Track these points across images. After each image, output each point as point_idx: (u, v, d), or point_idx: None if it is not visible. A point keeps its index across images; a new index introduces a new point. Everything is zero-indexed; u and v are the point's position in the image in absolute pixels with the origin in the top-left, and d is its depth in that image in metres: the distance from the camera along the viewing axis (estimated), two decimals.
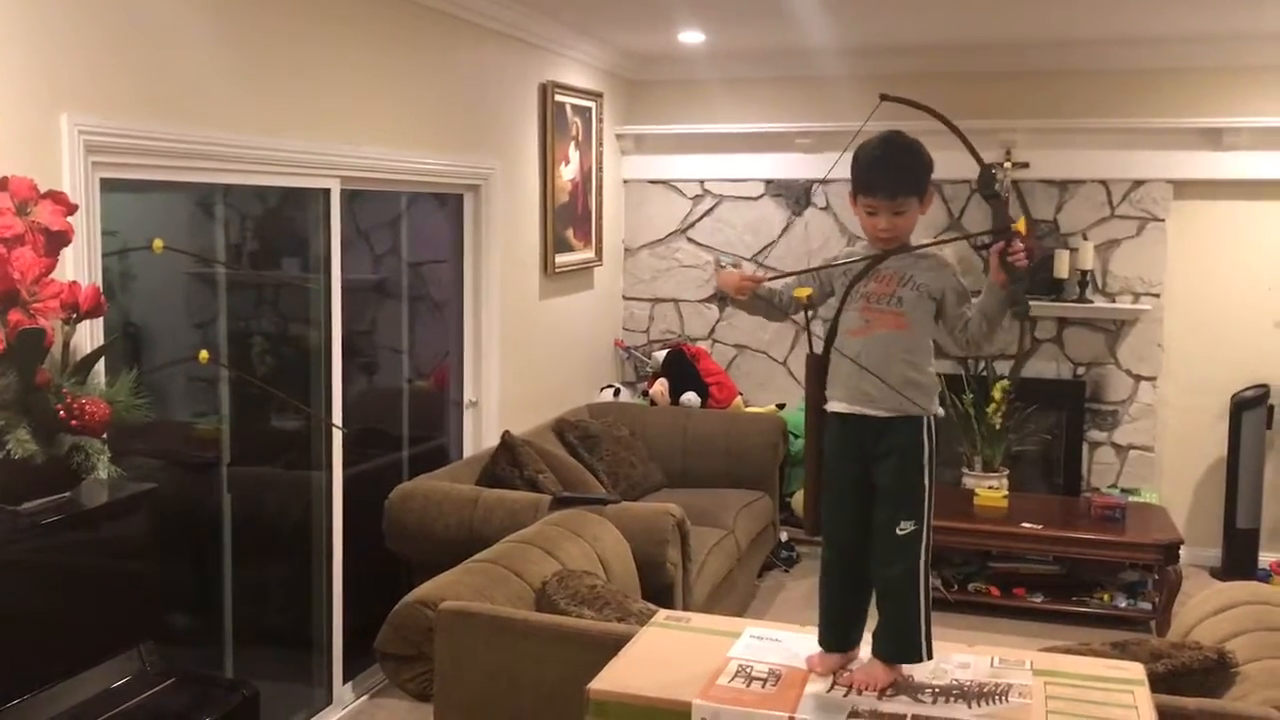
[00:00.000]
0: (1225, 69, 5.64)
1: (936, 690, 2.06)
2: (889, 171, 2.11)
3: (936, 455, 2.12)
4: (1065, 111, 5.84)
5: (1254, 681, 2.42)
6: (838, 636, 2.18)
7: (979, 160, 2.07)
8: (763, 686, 2.08)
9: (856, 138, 2.18)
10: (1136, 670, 2.17)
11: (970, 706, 1.99)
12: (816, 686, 2.08)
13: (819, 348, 2.18)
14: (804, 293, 2.20)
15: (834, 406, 2.14)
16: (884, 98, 2.13)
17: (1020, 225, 2.00)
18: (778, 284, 2.28)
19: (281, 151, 3.54)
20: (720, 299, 6.50)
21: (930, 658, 2.10)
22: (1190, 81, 5.70)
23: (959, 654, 2.23)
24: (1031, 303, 5.77)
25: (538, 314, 5.49)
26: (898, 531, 2.08)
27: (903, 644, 2.10)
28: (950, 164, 6.24)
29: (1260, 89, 5.62)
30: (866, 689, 2.06)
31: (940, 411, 2.14)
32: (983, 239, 2.11)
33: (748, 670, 2.14)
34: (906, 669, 2.13)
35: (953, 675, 2.13)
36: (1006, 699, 2.02)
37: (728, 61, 6.18)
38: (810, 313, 2.21)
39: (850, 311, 2.14)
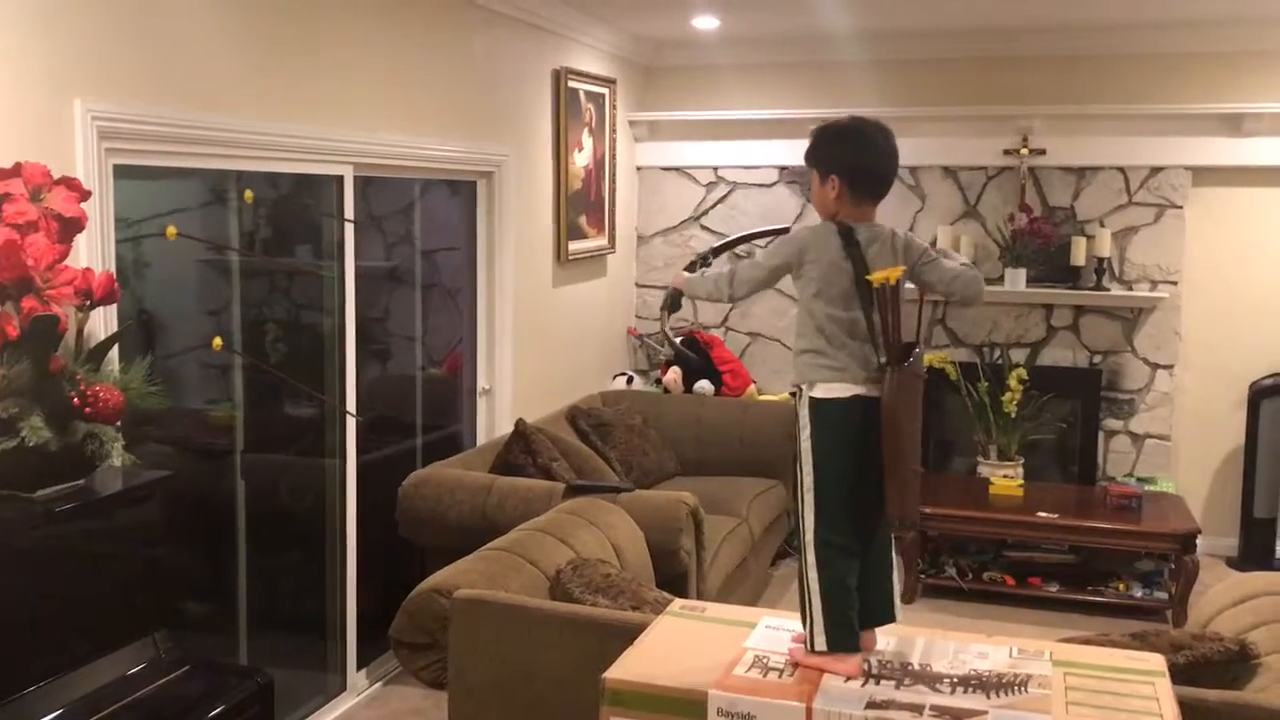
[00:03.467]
0: (1245, 53, 5.58)
1: (955, 680, 2.04)
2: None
3: (816, 439, 2.10)
4: (1083, 97, 5.79)
5: (1276, 673, 2.39)
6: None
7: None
8: (779, 676, 2.07)
9: None
10: (1157, 661, 2.15)
11: (989, 697, 1.97)
12: (833, 677, 2.07)
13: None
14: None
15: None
16: None
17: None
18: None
19: (295, 138, 3.53)
20: None
21: (813, 650, 2.09)
22: (1210, 66, 5.64)
23: (977, 644, 2.21)
24: (1049, 290, 5.78)
25: (551, 301, 5.48)
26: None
27: (803, 621, 2.13)
28: (964, 150, 6.20)
29: None
30: (799, 665, 2.09)
31: (820, 394, 2.11)
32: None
33: (764, 660, 2.13)
34: (918, 659, 2.12)
35: (971, 665, 2.11)
36: (1026, 689, 2.00)
37: (742, 47, 6.15)
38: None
39: None
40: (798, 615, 2.35)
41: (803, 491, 2.12)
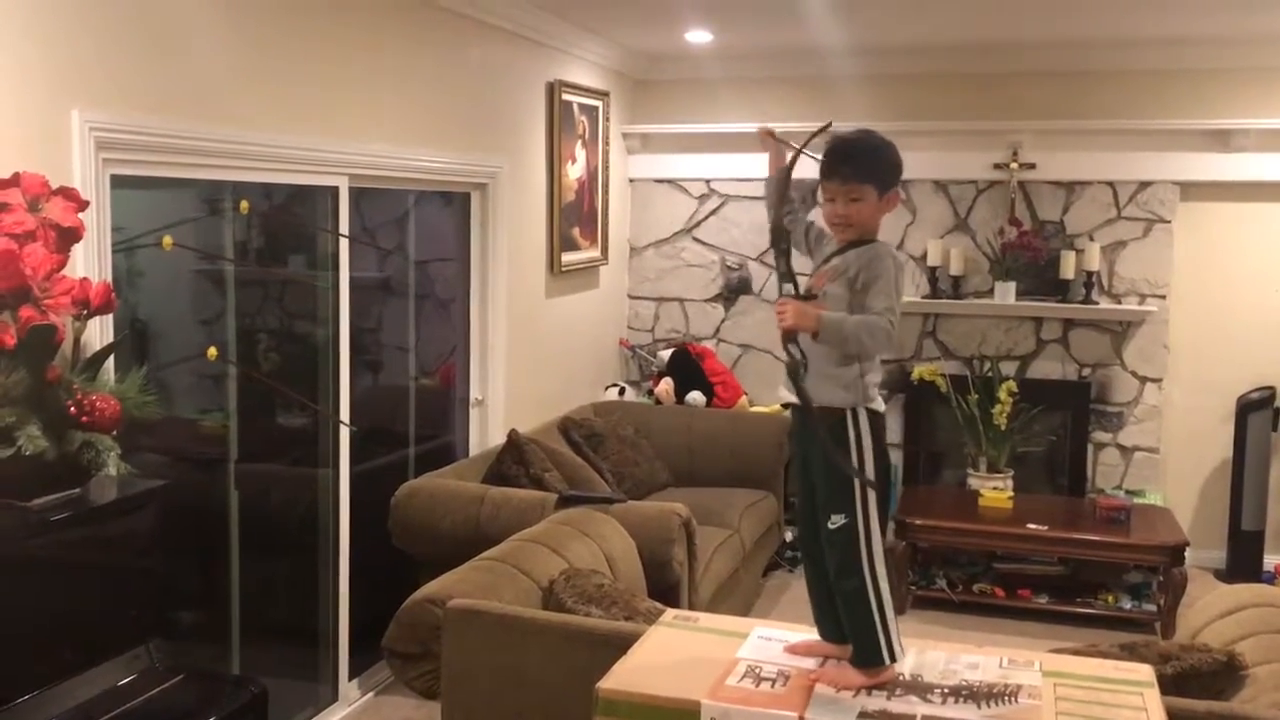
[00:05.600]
0: (1233, 70, 5.63)
1: (946, 690, 2.06)
2: (843, 156, 2.14)
3: (873, 449, 2.09)
4: (1072, 113, 5.83)
5: (1262, 684, 2.42)
6: (820, 625, 2.22)
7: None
8: (771, 687, 2.08)
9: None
10: (1146, 672, 2.17)
11: (980, 707, 1.99)
12: (826, 687, 2.08)
13: None
14: None
15: (781, 394, 2.17)
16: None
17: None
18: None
19: (291, 149, 3.55)
20: (725, 299, 6.50)
21: (894, 660, 2.09)
22: (1198, 83, 5.69)
23: (968, 654, 2.23)
24: (1039, 303, 5.82)
25: (543, 312, 5.49)
26: (829, 526, 2.09)
27: (861, 647, 2.10)
28: (954, 164, 6.23)
29: (1268, 90, 5.62)
30: (838, 690, 2.06)
31: (876, 406, 2.11)
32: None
33: (756, 670, 2.14)
34: (909, 670, 2.13)
35: (962, 676, 2.12)
36: (1016, 700, 2.02)
37: (735, 61, 6.18)
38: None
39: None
40: (789, 626, 2.37)
41: (864, 507, 2.08)
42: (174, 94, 3.08)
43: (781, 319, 2.02)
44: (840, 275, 2.11)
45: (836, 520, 2.08)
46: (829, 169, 2.15)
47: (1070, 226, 5.92)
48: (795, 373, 2.04)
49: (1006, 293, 5.84)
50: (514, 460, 4.41)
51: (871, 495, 2.09)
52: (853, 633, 2.11)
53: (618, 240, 6.40)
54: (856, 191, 2.12)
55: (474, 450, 4.93)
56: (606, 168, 6.08)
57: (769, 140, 2.27)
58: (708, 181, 6.47)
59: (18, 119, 2.61)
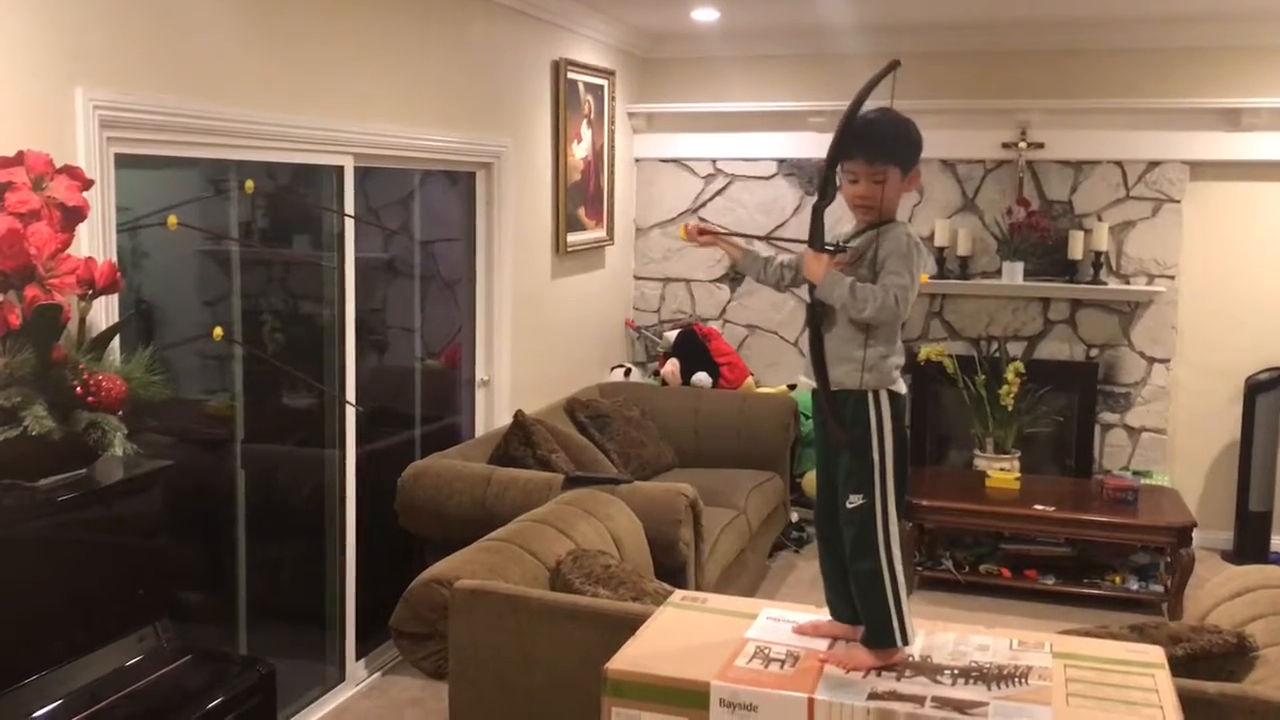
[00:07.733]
0: (1244, 48, 5.58)
1: (956, 672, 2.05)
2: (868, 136, 2.13)
3: (895, 432, 2.08)
4: (1081, 91, 5.79)
5: (1273, 666, 2.41)
6: (832, 606, 2.21)
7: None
8: (780, 667, 2.07)
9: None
10: (1156, 654, 2.16)
11: (990, 688, 1.98)
12: (835, 668, 2.08)
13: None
14: None
15: (801, 380, 2.17)
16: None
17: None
18: (767, 252, 2.36)
19: (296, 128, 3.53)
20: (732, 279, 6.49)
21: (906, 642, 2.08)
22: (1208, 61, 5.64)
23: (978, 636, 2.22)
24: (1047, 284, 5.79)
25: (549, 293, 5.48)
26: (847, 505, 2.08)
27: (873, 628, 2.09)
28: (962, 144, 6.20)
29: (1279, 69, 5.57)
30: (848, 670, 2.05)
31: (897, 388, 2.10)
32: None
33: (765, 651, 2.13)
34: (918, 652, 2.12)
35: (972, 657, 2.12)
36: (1026, 681, 2.01)
37: (741, 39, 6.14)
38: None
39: None
40: (798, 606, 2.37)
41: (882, 490, 2.07)
42: (178, 72, 3.06)
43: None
44: (861, 257, 2.10)
45: (855, 500, 2.07)
46: (854, 149, 2.12)
47: (1078, 206, 5.88)
48: (814, 316, 2.12)
49: (1014, 273, 5.81)
50: (520, 441, 4.41)
51: (891, 477, 2.08)
52: (865, 614, 2.10)
53: (623, 220, 6.38)
54: (881, 173, 2.11)
55: (480, 431, 4.93)
56: (612, 147, 6.05)
57: (707, 238, 2.45)
58: (714, 161, 6.44)
59: (21, 97, 2.60)
